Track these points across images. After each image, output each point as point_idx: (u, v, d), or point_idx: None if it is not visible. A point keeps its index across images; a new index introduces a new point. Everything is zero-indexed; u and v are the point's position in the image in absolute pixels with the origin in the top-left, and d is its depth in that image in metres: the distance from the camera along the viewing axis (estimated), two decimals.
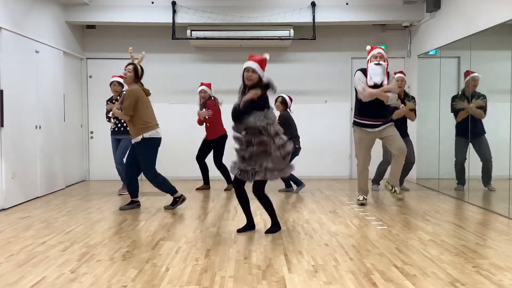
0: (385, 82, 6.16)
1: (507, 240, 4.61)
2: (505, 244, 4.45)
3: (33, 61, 7.09)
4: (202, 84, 7.76)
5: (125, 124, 7.24)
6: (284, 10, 8.53)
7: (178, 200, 6.27)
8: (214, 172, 7.96)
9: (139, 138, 5.96)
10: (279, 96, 7.45)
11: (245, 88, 4.84)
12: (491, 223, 5.43)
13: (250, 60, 4.84)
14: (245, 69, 4.81)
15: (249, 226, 5.02)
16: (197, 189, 7.90)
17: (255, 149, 4.64)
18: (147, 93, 6.06)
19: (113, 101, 7.31)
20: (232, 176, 5.05)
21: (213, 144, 7.72)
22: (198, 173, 7.94)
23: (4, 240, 4.63)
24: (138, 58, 6.11)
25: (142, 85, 6.09)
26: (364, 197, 6.48)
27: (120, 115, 6.12)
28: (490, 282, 3.39)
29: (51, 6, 7.85)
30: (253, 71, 4.77)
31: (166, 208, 6.25)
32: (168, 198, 6.60)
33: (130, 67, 6.01)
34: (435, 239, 4.60)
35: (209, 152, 7.80)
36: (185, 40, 8.78)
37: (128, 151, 6.48)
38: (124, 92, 6.07)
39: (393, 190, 6.42)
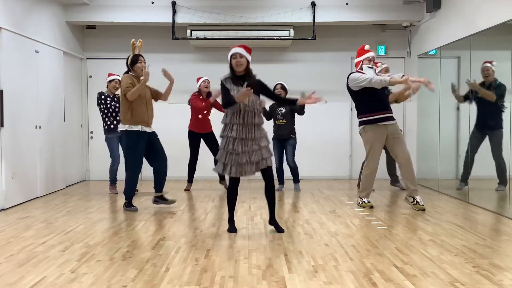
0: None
1: (507, 240, 4.61)
2: (505, 244, 4.45)
3: (33, 61, 7.09)
4: (200, 78, 7.74)
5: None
6: (284, 10, 8.53)
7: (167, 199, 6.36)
8: (213, 172, 7.95)
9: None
10: (277, 84, 7.55)
11: (235, 77, 4.76)
12: (491, 223, 5.43)
13: (233, 48, 4.80)
14: (231, 56, 4.75)
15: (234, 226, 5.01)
16: (186, 189, 7.86)
17: (259, 137, 4.74)
18: None
19: (111, 96, 7.34)
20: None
21: (207, 138, 7.72)
22: (197, 172, 7.90)
23: (4, 240, 4.63)
24: (137, 46, 6.18)
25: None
26: (368, 200, 6.35)
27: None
28: (490, 282, 3.39)
29: (51, 6, 7.85)
30: (241, 55, 4.73)
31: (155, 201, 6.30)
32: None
33: (142, 58, 6.12)
34: (435, 239, 4.60)
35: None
36: (185, 40, 8.78)
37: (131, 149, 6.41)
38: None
39: (414, 202, 6.13)
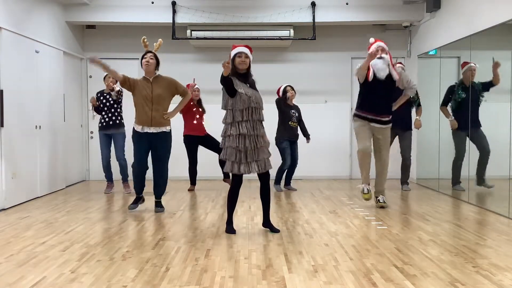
0: (395, 75, 6.00)
1: (507, 240, 4.61)
2: (505, 244, 4.45)
3: (33, 61, 7.09)
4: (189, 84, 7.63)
5: (113, 118, 7.33)
6: (284, 10, 8.53)
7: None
8: (213, 172, 7.97)
9: (169, 128, 5.95)
10: (287, 85, 7.64)
11: (238, 75, 4.82)
12: (491, 223, 5.42)
13: (238, 46, 4.86)
14: (236, 54, 4.81)
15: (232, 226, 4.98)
16: (189, 190, 7.84)
17: (263, 134, 4.82)
18: None
19: (105, 94, 7.43)
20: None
21: (206, 139, 7.68)
22: (198, 172, 7.91)
23: (4, 240, 4.63)
24: (154, 46, 6.09)
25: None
26: (367, 189, 6.18)
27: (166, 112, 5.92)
28: (490, 282, 3.39)
29: (51, 6, 7.85)
30: (246, 56, 4.82)
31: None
32: (164, 198, 6.60)
33: (151, 54, 5.93)
34: (435, 239, 4.60)
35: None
36: (185, 40, 8.79)
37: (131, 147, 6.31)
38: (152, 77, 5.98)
39: (376, 200, 6.23)
